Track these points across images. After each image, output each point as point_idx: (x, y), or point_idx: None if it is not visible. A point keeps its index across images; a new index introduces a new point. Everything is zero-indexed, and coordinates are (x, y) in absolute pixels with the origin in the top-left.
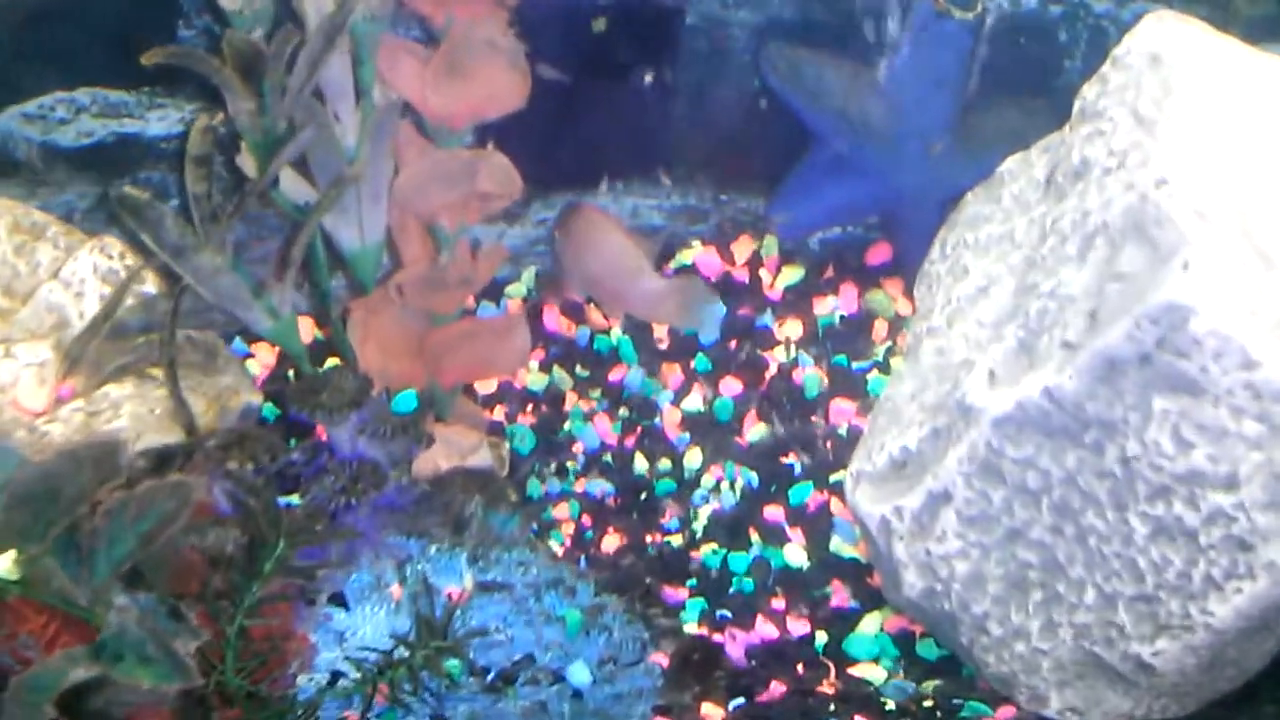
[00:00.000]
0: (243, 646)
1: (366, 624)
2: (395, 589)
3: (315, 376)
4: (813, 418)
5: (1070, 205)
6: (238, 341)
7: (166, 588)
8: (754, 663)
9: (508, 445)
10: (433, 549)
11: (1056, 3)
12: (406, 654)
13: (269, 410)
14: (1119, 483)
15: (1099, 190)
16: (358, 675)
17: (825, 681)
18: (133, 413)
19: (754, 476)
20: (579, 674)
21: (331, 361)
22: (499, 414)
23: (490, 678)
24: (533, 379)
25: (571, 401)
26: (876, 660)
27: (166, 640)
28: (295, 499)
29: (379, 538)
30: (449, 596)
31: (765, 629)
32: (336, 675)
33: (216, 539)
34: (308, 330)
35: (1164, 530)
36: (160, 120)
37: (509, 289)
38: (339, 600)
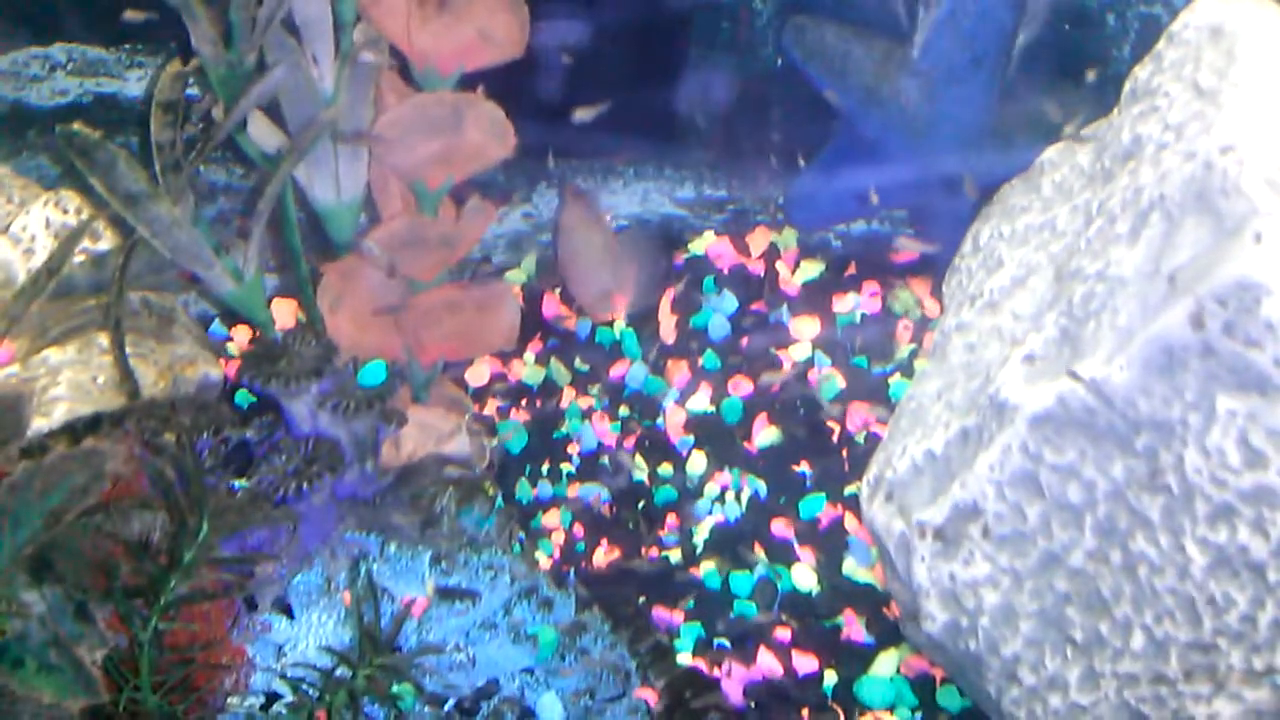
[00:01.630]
0: (163, 657)
1: (311, 635)
2: (348, 593)
3: (273, 342)
4: (828, 423)
5: (1120, 185)
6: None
7: (78, 581)
8: (753, 704)
9: (493, 437)
10: (393, 547)
11: None
12: (348, 674)
13: (243, 396)
14: (1174, 500)
15: (1153, 165)
16: (294, 699)
17: None
18: (72, 380)
19: (762, 486)
20: (549, 709)
21: None
22: (490, 409)
23: (446, 708)
24: (528, 372)
25: (569, 398)
26: (892, 710)
27: (71, 646)
28: (243, 481)
29: (334, 531)
30: (405, 605)
31: (768, 663)
32: (272, 697)
33: (142, 524)
34: (289, 313)
35: (1226, 562)
36: (140, 80)
37: (509, 275)
38: (283, 605)
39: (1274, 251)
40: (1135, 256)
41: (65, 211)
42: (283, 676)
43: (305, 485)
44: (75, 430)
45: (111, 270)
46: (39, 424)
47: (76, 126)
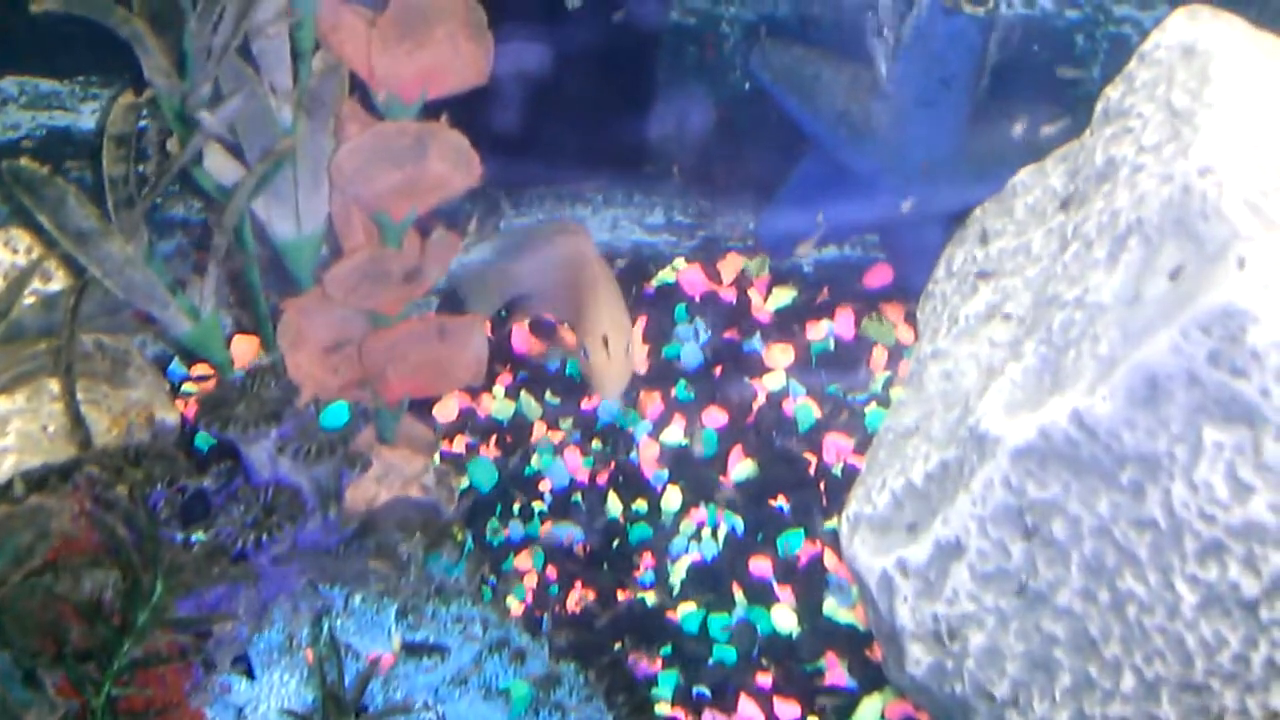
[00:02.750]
0: None
1: (273, 695)
2: (311, 651)
3: (231, 385)
4: (805, 454)
5: (1095, 208)
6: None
7: (27, 646)
8: None
9: (462, 477)
10: (358, 599)
11: (1074, 8)
12: None
13: (203, 439)
14: (1162, 536)
15: (1129, 188)
16: None
17: None
18: (21, 430)
19: (739, 522)
20: None
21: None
22: (459, 445)
23: None
24: (498, 406)
25: (540, 433)
26: None
27: (20, 714)
28: (200, 535)
29: (296, 584)
30: (371, 662)
31: (749, 711)
32: None
33: (94, 583)
34: (251, 350)
35: (1217, 600)
36: (94, 112)
37: None
38: (243, 665)
39: (1259, 278)
40: (1114, 282)
41: (15, 251)
42: None
43: (265, 537)
44: (21, 486)
45: (62, 312)
46: None
47: (23, 162)
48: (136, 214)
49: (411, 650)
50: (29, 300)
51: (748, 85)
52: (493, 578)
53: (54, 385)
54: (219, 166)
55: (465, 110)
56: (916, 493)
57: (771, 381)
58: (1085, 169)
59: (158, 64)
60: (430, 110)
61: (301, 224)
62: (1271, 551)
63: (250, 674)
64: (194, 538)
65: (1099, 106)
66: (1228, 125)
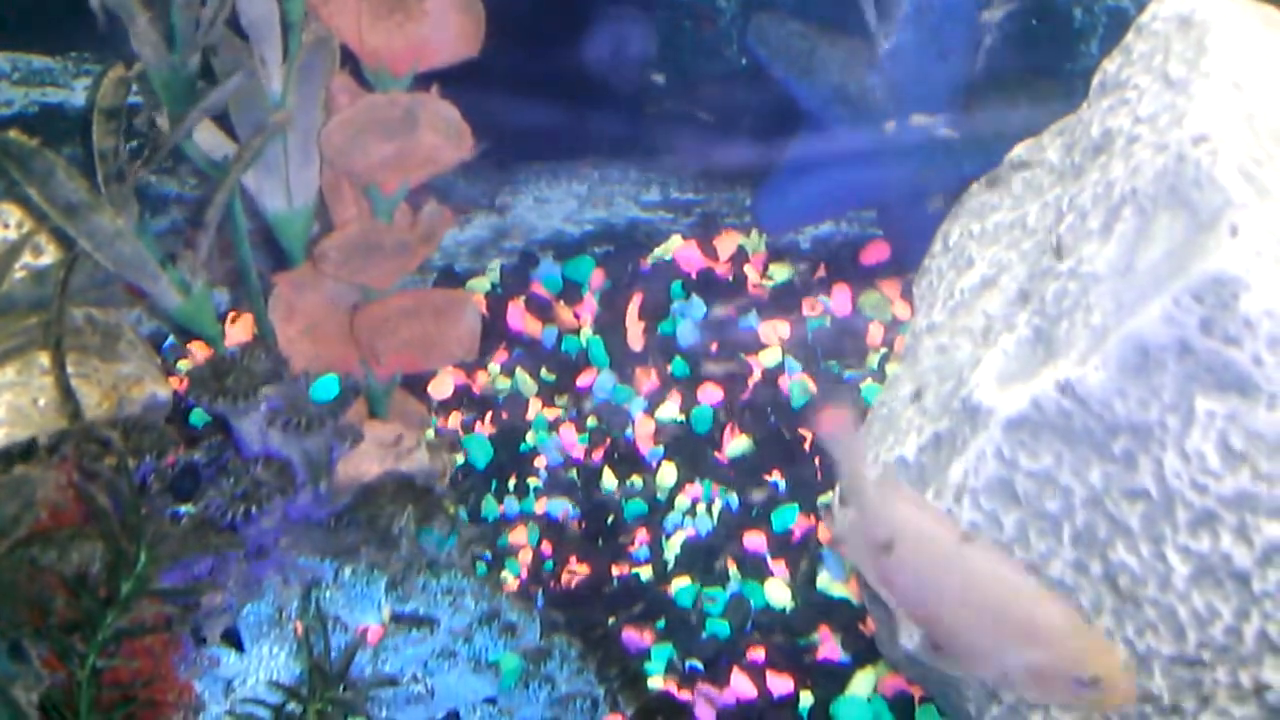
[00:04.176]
0: (104, 695)
1: (262, 668)
2: (300, 623)
3: (222, 359)
4: (799, 430)
5: (1091, 180)
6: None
7: (12, 618)
8: None
9: (455, 452)
10: (347, 572)
11: None
12: (298, 710)
13: (198, 416)
14: (1154, 506)
15: (1124, 159)
16: None
17: None
18: (11, 404)
19: (733, 498)
20: None
21: None
22: (454, 422)
23: None
24: (493, 384)
25: (535, 409)
26: None
27: (5, 687)
28: (190, 507)
29: (287, 557)
30: (360, 634)
31: (742, 686)
32: None
33: (82, 556)
34: (245, 329)
35: (1209, 571)
36: (87, 89)
37: (471, 283)
38: (232, 637)
39: (1251, 245)
40: (1108, 252)
41: (5, 226)
42: (231, 714)
43: (254, 508)
44: (9, 457)
45: (53, 285)
46: None
47: (12, 134)
48: (127, 187)
49: (401, 622)
50: (19, 274)
51: (744, 61)
52: (486, 553)
53: (44, 359)
54: (209, 140)
55: (458, 86)
56: (909, 466)
57: (767, 358)
58: (1082, 141)
59: (146, 36)
60: (421, 82)
61: (293, 198)
62: (1264, 521)
63: (239, 646)
64: (182, 510)
65: (1096, 79)
66: (1223, 94)
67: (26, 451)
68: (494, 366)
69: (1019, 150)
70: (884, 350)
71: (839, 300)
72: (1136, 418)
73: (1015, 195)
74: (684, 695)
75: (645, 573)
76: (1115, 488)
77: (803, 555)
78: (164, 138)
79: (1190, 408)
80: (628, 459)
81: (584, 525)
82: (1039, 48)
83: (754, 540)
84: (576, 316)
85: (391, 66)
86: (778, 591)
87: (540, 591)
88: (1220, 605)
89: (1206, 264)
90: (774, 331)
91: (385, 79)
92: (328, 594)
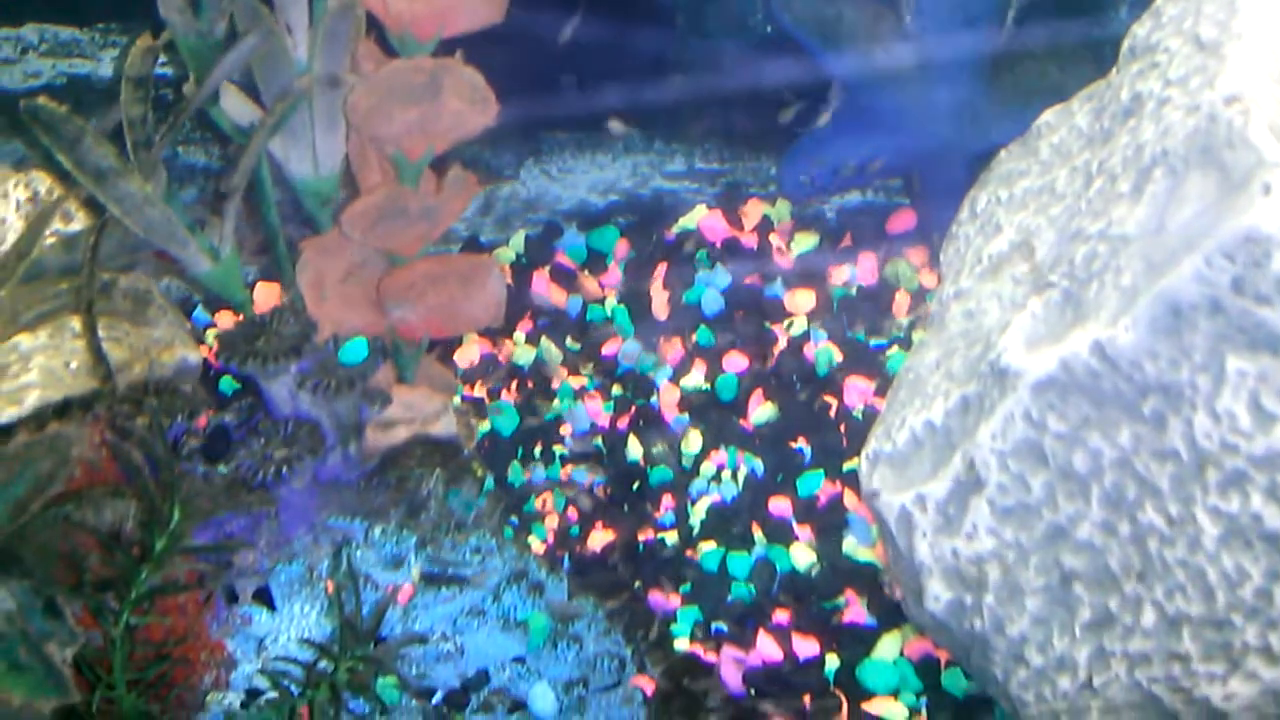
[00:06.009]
0: (138, 653)
1: (293, 626)
2: (331, 582)
3: (252, 322)
4: (825, 397)
5: (1121, 143)
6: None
7: (47, 575)
8: (753, 691)
9: (482, 418)
10: (377, 532)
11: None
12: (329, 667)
13: (228, 383)
14: (1184, 467)
15: (1155, 121)
16: (275, 694)
17: (836, 719)
18: (44, 366)
19: (759, 464)
20: (542, 700)
21: None
22: (479, 390)
23: (435, 701)
24: (519, 352)
25: (561, 377)
26: (896, 695)
27: (40, 644)
28: (221, 468)
29: (317, 517)
30: (390, 592)
31: (767, 648)
32: (253, 694)
33: (115, 514)
34: (273, 296)
35: (1239, 532)
36: (114, 60)
37: (498, 252)
38: (264, 596)
39: None
40: (1139, 214)
41: (36, 193)
42: (263, 671)
43: (285, 469)
44: (43, 417)
45: (83, 251)
46: (10, 412)
47: (41, 100)
48: (155, 154)
49: (430, 581)
50: (50, 240)
51: (769, 28)
52: (514, 518)
53: (75, 323)
54: (235, 106)
55: (481, 52)
56: (936, 430)
57: (793, 326)
58: (1111, 106)
59: (173, 2)
60: (446, 48)
61: (319, 164)
62: None
63: (271, 605)
64: (216, 470)
65: (1126, 44)
66: (1255, 54)
67: (60, 411)
68: (519, 335)
69: (1047, 116)
70: (910, 318)
71: (865, 268)
72: (1167, 378)
73: (1043, 161)
74: (710, 657)
75: (671, 538)
76: (1144, 449)
77: (828, 520)
78: (188, 102)
79: (1221, 367)
80: (653, 426)
81: (610, 491)
82: (1068, 12)
83: (779, 506)
84: (601, 286)
85: (416, 32)
86: (803, 555)
87: (566, 555)
88: (1250, 567)
89: (1239, 222)
90: (799, 300)
91: (410, 44)
92: (358, 553)
